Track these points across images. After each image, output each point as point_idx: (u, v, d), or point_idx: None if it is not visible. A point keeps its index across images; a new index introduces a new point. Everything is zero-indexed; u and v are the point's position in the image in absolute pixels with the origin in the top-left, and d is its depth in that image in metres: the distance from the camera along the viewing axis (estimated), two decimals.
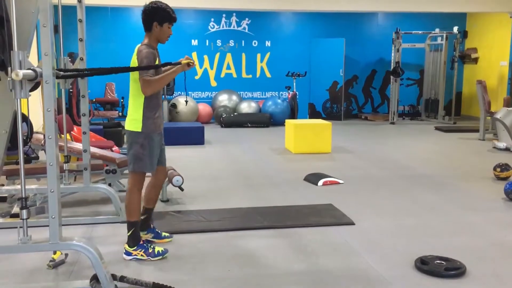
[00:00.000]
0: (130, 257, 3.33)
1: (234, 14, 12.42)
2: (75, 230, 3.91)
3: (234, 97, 11.98)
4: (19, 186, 4.12)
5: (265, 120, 11.05)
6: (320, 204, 4.73)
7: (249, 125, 11.00)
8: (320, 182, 5.56)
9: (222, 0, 10.44)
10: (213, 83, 12.59)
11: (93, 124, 9.39)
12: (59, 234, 2.67)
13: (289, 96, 11.79)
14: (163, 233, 3.71)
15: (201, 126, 8.71)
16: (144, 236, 3.61)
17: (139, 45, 3.38)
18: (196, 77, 12.47)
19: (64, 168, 4.03)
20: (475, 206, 4.76)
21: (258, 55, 12.73)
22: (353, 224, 4.14)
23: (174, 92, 11.95)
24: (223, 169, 6.51)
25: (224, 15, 12.40)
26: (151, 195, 3.60)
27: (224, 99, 11.90)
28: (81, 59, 3.89)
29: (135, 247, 3.34)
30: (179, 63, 3.30)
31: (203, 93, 12.55)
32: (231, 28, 12.52)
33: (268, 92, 12.79)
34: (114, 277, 2.86)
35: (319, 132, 7.74)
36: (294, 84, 11.63)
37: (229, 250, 3.57)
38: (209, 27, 12.41)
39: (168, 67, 3.41)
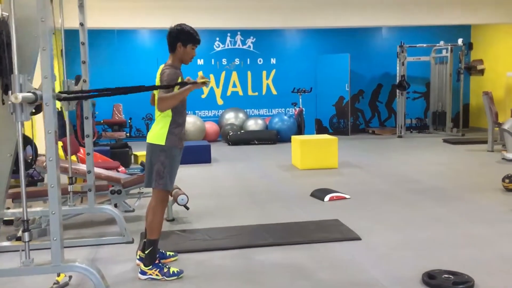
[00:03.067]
0: (145, 277, 3.33)
1: (239, 33, 12.53)
2: (80, 251, 3.91)
3: (241, 115, 12.02)
4: (41, 208, 4.15)
5: (272, 136, 11.05)
6: (327, 219, 4.69)
7: (256, 142, 11.00)
8: (327, 198, 5.53)
9: (227, 20, 10.55)
10: (220, 102, 12.65)
11: (101, 145, 9.50)
12: (61, 256, 2.67)
13: (296, 113, 11.80)
14: (168, 252, 3.70)
15: (208, 144, 8.73)
16: None
17: (162, 65, 3.45)
18: (203, 96, 12.54)
19: (69, 190, 4.04)
20: (484, 218, 4.69)
21: (264, 73, 12.79)
22: (359, 239, 4.10)
23: None
24: (229, 186, 6.50)
25: (229, 34, 12.51)
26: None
27: (231, 117, 11.94)
28: (84, 81, 3.93)
29: (151, 266, 3.34)
30: (195, 82, 3.33)
31: (209, 111, 12.61)
32: (236, 46, 12.62)
33: (275, 109, 12.82)
34: None
35: (325, 148, 7.72)
36: (300, 100, 11.65)
37: (235, 268, 3.54)
38: (214, 46, 12.52)
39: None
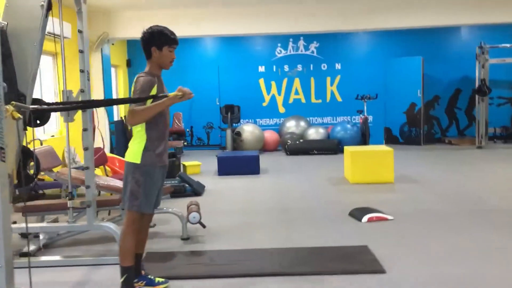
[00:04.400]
0: None
1: (302, 38, 12.05)
2: (76, 272, 3.68)
3: (302, 123, 11.50)
4: (42, 224, 4.03)
5: (333, 146, 10.42)
6: (354, 246, 4.09)
7: (316, 152, 10.43)
8: (365, 218, 4.90)
9: (289, 25, 10.14)
10: (281, 110, 12.23)
11: None
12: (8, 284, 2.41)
13: (361, 121, 11.07)
14: (157, 279, 3.34)
15: (256, 155, 8.33)
16: (136, 284, 3.26)
17: (139, 73, 3.12)
18: (264, 104, 12.21)
19: (68, 205, 3.84)
20: None
21: (328, 79, 12.18)
22: (383, 272, 3.48)
23: (241, 120, 11.75)
24: (265, 201, 6.05)
25: (291, 40, 12.07)
26: (138, 239, 3.25)
27: (291, 126, 11.47)
28: (82, 91, 3.72)
29: None
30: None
31: (271, 120, 12.24)
32: (299, 52, 12.14)
33: (340, 117, 12.14)
34: None
35: (379, 160, 7.01)
36: (365, 107, 10.90)
37: None
38: (276, 52, 12.15)
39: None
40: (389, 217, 4.96)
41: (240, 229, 4.80)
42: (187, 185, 6.44)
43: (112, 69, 11.48)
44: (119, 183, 4.87)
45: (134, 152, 3.02)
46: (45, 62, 8.04)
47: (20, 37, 3.66)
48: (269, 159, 10.05)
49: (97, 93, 9.45)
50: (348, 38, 12.03)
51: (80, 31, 3.72)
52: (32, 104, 3.72)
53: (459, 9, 9.90)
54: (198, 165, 8.44)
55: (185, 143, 11.25)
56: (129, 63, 12.08)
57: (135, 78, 3.05)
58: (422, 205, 5.59)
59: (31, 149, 3.86)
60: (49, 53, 7.92)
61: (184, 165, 8.38)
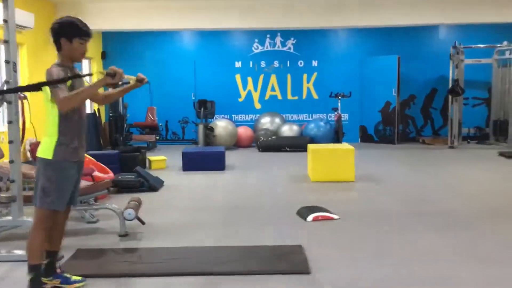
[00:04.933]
0: None
1: (279, 34, 11.98)
2: (6, 267, 3.59)
3: (277, 120, 11.45)
4: None
5: (305, 144, 10.28)
6: (289, 245, 4.03)
7: (288, 149, 10.37)
8: (310, 217, 4.85)
9: (266, 20, 10.09)
10: (257, 106, 12.17)
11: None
12: None
13: (335, 119, 11.02)
14: (73, 277, 3.26)
15: (222, 151, 8.27)
16: (50, 282, 3.19)
17: (50, 66, 3.02)
18: (240, 100, 12.14)
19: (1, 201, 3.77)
20: (486, 253, 3.80)
21: (305, 76, 12.13)
22: (308, 273, 3.43)
23: (216, 115, 11.67)
24: (219, 199, 6.00)
25: (268, 36, 12.00)
26: (52, 236, 3.18)
27: (266, 122, 11.42)
28: (7, 82, 3.62)
29: None
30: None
31: (247, 116, 12.17)
32: (276, 48, 12.08)
33: (316, 114, 12.10)
34: None
35: (340, 158, 6.96)
36: (339, 105, 10.84)
37: None
38: (253, 48, 12.07)
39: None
40: (335, 216, 4.91)
41: (183, 227, 4.74)
42: (142, 180, 6.35)
43: (85, 62, 11.37)
44: None
45: (46, 147, 2.93)
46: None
47: None
48: (240, 155, 10.00)
49: None
50: (325, 35, 11.97)
51: (5, 21, 3.61)
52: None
53: (436, 8, 9.90)
54: (164, 160, 8.36)
55: (157, 138, 11.17)
56: (104, 55, 11.95)
57: (46, 71, 2.94)
58: (375, 205, 5.55)
59: None
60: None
61: (149, 160, 8.30)
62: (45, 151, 2.93)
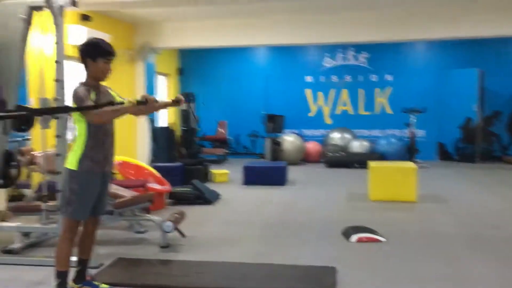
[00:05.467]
0: None
1: (351, 48, 11.75)
2: (41, 271, 3.83)
3: (347, 135, 11.20)
4: (18, 224, 4.28)
5: (374, 160, 10.00)
6: (322, 266, 3.90)
7: (357, 166, 10.08)
8: (354, 238, 4.66)
9: (339, 35, 9.92)
10: (328, 121, 11.99)
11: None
12: None
13: (410, 135, 10.55)
14: (102, 285, 3.40)
15: (283, 166, 8.23)
16: None
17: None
18: (310, 114, 12.04)
19: (42, 208, 4.04)
20: None
21: (378, 90, 11.76)
22: None
23: (285, 130, 11.67)
24: (271, 214, 5.96)
25: (340, 50, 11.82)
26: (83, 244, 3.34)
27: (336, 137, 11.21)
28: (56, 99, 3.88)
29: None
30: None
31: (316, 130, 12.02)
32: (348, 63, 11.85)
33: (389, 130, 11.65)
34: None
35: (402, 177, 6.63)
36: (412, 121, 10.37)
37: None
38: (324, 62, 11.94)
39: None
40: (381, 238, 4.67)
41: (224, 241, 4.77)
42: (198, 193, 6.48)
43: (162, 78, 11.93)
44: (114, 189, 5.04)
45: (72, 159, 3.10)
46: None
47: (2, 48, 3.93)
48: (305, 170, 9.89)
49: None
50: (401, 48, 11.53)
51: (56, 43, 3.90)
52: (16, 110, 3.98)
53: None
54: (226, 174, 8.49)
55: (226, 151, 11.37)
56: (180, 72, 12.46)
57: (73, 90, 3.11)
58: (430, 228, 5.21)
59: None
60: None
61: (212, 173, 8.48)
62: (71, 163, 3.09)
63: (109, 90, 3.32)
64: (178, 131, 11.72)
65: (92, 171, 3.10)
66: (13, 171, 4.14)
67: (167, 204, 6.36)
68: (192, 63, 12.43)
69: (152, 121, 10.17)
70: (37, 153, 4.22)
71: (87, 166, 3.08)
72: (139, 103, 2.99)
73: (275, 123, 11.11)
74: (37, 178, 5.22)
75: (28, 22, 3.92)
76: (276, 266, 3.93)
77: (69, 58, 7.48)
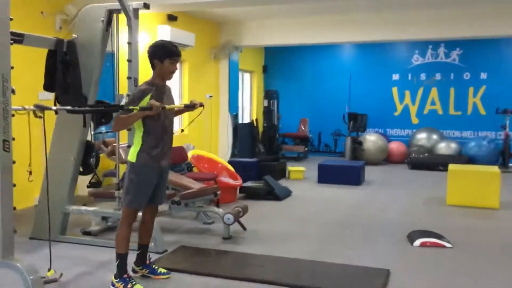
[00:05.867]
0: None
1: (443, 44, 11.17)
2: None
3: (434, 136, 10.69)
4: (95, 208, 4.69)
5: (461, 164, 9.46)
6: (376, 268, 3.83)
7: (441, 168, 9.58)
8: (417, 242, 4.50)
9: (430, 31, 9.51)
10: (414, 120, 11.51)
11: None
12: (2, 253, 2.96)
13: (504, 138, 9.84)
14: (160, 269, 3.65)
15: (360, 165, 8.09)
16: (140, 271, 3.62)
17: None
18: (396, 114, 11.65)
19: (115, 195, 4.40)
20: None
21: (471, 89, 11.07)
22: None
23: (369, 129, 11.44)
24: (338, 213, 5.92)
25: (430, 46, 11.29)
26: (142, 231, 3.60)
27: (422, 138, 10.76)
28: (128, 95, 4.18)
29: (118, 280, 3.37)
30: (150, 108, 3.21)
31: (402, 130, 11.61)
32: (438, 60, 11.28)
33: (482, 132, 10.93)
34: None
35: (483, 182, 6.24)
36: (507, 122, 9.66)
37: None
38: (413, 60, 11.48)
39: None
40: (447, 244, 4.47)
41: (284, 236, 4.84)
42: (268, 189, 6.60)
43: (247, 75, 12.22)
44: (185, 181, 5.33)
45: (132, 152, 3.36)
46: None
47: (86, 48, 4.33)
48: (386, 171, 9.63)
49: (223, 98, 10.19)
50: (497, 44, 10.74)
51: (129, 43, 4.21)
52: (96, 106, 4.36)
53: None
54: (302, 171, 8.53)
55: (306, 148, 11.38)
56: (264, 69, 12.67)
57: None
58: (508, 237, 4.88)
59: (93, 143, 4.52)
60: None
61: (288, 170, 8.57)
62: (131, 155, 3.36)
63: (170, 91, 3.55)
64: (260, 127, 11.94)
65: (148, 164, 3.33)
66: (93, 160, 4.54)
67: (238, 198, 6.57)
68: (277, 61, 12.58)
69: (235, 117, 10.48)
70: (119, 144, 4.57)
71: (144, 160, 3.32)
72: (142, 109, 3.18)
73: (358, 121, 10.92)
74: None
75: (107, 24, 4.26)
76: (328, 265, 3.93)
77: None
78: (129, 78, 4.24)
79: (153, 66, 3.40)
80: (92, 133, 5.18)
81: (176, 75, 8.97)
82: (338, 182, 7.87)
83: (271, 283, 3.50)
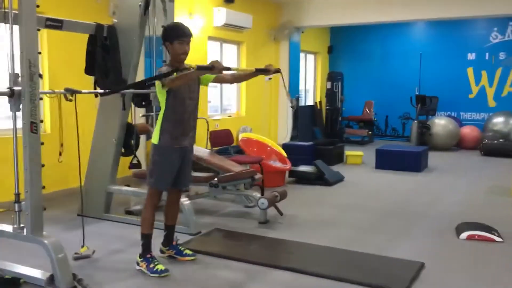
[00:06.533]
0: (138, 267, 3.46)
1: None
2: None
3: None
4: (135, 189, 4.84)
5: None
6: (410, 260, 3.61)
7: None
8: (464, 235, 4.19)
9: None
10: (491, 103, 10.70)
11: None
12: (34, 229, 3.13)
13: None
14: (186, 251, 3.68)
15: (421, 151, 7.65)
16: (167, 252, 3.69)
17: None
18: (470, 96, 10.89)
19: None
20: None
21: None
22: None
23: (440, 112, 10.81)
24: (387, 201, 5.65)
25: (511, 23, 10.37)
26: (167, 212, 3.64)
27: (499, 123, 9.96)
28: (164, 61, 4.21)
29: (142, 259, 3.45)
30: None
31: (477, 114, 10.85)
32: None
33: None
34: (74, 276, 3.13)
35: None
36: None
37: (227, 281, 3.26)
38: (491, 38, 10.62)
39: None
40: (498, 239, 4.11)
41: (324, 223, 4.71)
42: (318, 173, 6.45)
43: (311, 56, 11.98)
44: (227, 163, 5.33)
45: (155, 134, 3.38)
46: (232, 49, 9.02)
47: (125, 32, 4.42)
48: (454, 157, 9.07)
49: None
50: None
51: (163, 26, 4.23)
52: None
53: None
54: (360, 156, 8.25)
55: (370, 132, 10.98)
56: (330, 50, 12.34)
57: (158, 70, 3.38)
58: None
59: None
60: (234, 42, 8.86)
61: (346, 155, 8.33)
62: (154, 137, 3.38)
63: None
64: (323, 110, 11.70)
65: (171, 145, 3.34)
66: (133, 142, 4.67)
67: (287, 182, 6.49)
68: (342, 41, 12.20)
69: (297, 99, 10.32)
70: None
71: (166, 141, 3.33)
72: (200, 68, 3.07)
73: (425, 104, 10.33)
74: None
75: (145, 8, 4.31)
76: (359, 255, 3.77)
77: (212, 39, 8.11)
78: (164, 61, 4.28)
79: (167, 50, 3.38)
80: (138, 115, 5.31)
81: (233, 57, 9.24)
82: (397, 168, 7.53)
83: (295, 271, 3.42)
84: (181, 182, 3.54)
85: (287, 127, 10.00)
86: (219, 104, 8.74)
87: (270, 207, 4.57)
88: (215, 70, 3.10)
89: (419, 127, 9.99)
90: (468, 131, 10.16)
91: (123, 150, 4.71)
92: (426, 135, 9.96)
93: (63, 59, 5.56)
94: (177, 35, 3.28)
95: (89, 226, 4.52)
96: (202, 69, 3.11)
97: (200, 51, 7.55)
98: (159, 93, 3.34)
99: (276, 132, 10.10)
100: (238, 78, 3.74)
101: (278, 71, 3.47)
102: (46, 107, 5.50)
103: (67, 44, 5.45)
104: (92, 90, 3.80)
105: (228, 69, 3.25)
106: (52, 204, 4.10)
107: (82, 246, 3.72)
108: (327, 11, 9.67)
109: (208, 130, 6.31)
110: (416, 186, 6.50)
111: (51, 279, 3.06)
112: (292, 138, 9.91)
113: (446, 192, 6.18)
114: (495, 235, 4.15)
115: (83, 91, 3.52)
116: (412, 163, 7.52)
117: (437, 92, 10.76)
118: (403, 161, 7.57)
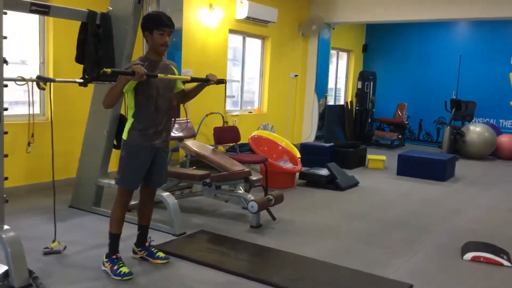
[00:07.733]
0: (103, 268, 3.29)
1: None
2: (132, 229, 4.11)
3: None
4: None
5: None
6: (398, 281, 3.27)
7: None
8: (468, 256, 3.78)
9: None
10: None
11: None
12: None
13: None
14: (158, 253, 3.48)
15: (447, 159, 7.13)
16: (139, 253, 3.50)
17: None
18: None
19: None
20: None
21: None
22: None
23: (477, 118, 10.16)
24: (397, 212, 5.26)
25: None
26: (140, 212, 3.46)
27: None
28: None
29: (107, 259, 3.26)
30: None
31: None
32: None
33: None
34: (30, 273, 3.00)
35: None
36: None
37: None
38: None
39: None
40: (506, 263, 3.69)
41: (321, 232, 4.40)
42: (330, 177, 6.12)
43: (344, 54, 11.55)
44: (227, 162, 5.11)
45: (125, 130, 3.19)
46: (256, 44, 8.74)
47: (119, 21, 4.26)
48: (487, 167, 8.48)
49: (310, 78, 9.69)
50: None
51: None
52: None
53: None
54: (382, 160, 7.82)
55: (400, 136, 10.45)
56: (365, 48, 11.85)
57: None
58: None
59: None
60: (258, 36, 8.60)
61: (367, 158, 7.92)
62: (124, 133, 3.19)
63: (172, 67, 3.29)
64: (353, 111, 11.25)
65: (140, 143, 3.14)
66: None
67: (296, 184, 6.20)
68: (378, 39, 11.69)
69: (325, 98, 9.96)
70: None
71: (135, 138, 3.14)
72: (120, 73, 2.95)
73: (460, 109, 9.71)
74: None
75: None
76: (347, 270, 3.45)
77: (233, 32, 7.87)
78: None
79: (146, 40, 3.18)
80: None
81: (257, 52, 8.97)
82: (419, 176, 7.07)
83: (272, 285, 3.15)
84: (154, 181, 3.34)
85: (311, 126, 9.66)
86: (239, 99, 8.50)
87: (262, 211, 4.31)
88: (136, 76, 2.87)
89: (452, 133, 9.40)
90: (506, 139, 9.48)
91: (115, 143, 4.57)
92: (459, 141, 9.37)
93: (67, 47, 5.46)
94: (157, 25, 3.07)
95: (76, 219, 4.43)
96: (123, 74, 2.90)
97: (221, 44, 7.32)
98: (128, 92, 3.14)
99: (300, 131, 9.78)
100: (188, 95, 3.43)
101: (222, 81, 3.32)
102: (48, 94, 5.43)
103: (73, 32, 5.35)
104: (70, 79, 3.64)
105: (155, 76, 3.00)
106: (49, 193, 4.00)
107: (54, 241, 3.60)
108: (360, 7, 9.20)
109: (223, 125, 6.10)
110: (434, 197, 6.05)
111: (5, 275, 2.94)
112: (317, 138, 9.57)
113: (466, 205, 5.71)
114: (504, 259, 3.73)
115: (57, 79, 3.36)
116: (436, 171, 7.03)
117: (475, 97, 10.09)
118: (427, 168, 7.10)
